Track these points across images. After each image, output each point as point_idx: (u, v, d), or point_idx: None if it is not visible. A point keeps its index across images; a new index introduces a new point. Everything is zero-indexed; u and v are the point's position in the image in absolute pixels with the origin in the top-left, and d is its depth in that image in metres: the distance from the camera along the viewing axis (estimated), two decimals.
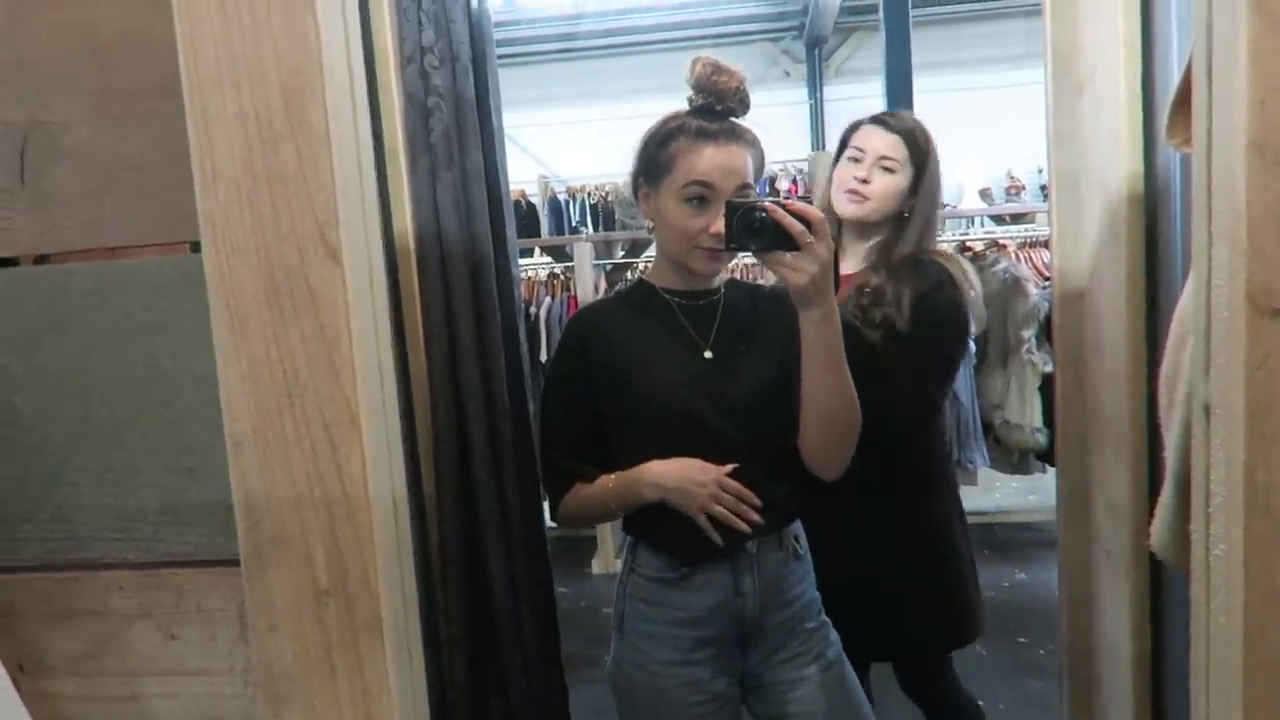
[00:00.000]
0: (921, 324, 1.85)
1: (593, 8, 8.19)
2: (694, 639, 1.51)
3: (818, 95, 9.56)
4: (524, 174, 9.12)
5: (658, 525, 1.51)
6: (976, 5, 8.69)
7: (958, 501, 2.05)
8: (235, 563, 0.66)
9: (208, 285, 0.61)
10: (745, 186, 1.43)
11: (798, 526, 1.60)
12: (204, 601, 0.69)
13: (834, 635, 1.62)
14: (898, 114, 2.01)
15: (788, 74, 9.73)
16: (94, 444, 0.71)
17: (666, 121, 1.48)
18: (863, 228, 1.97)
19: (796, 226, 1.28)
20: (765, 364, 1.51)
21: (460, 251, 1.77)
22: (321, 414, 0.58)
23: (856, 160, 1.95)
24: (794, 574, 1.57)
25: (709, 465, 1.45)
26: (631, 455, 1.51)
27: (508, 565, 1.81)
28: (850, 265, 2.01)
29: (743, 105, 1.45)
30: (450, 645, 1.77)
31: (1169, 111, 0.87)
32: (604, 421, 1.54)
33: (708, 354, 1.50)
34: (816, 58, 9.49)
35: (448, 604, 1.77)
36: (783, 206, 1.30)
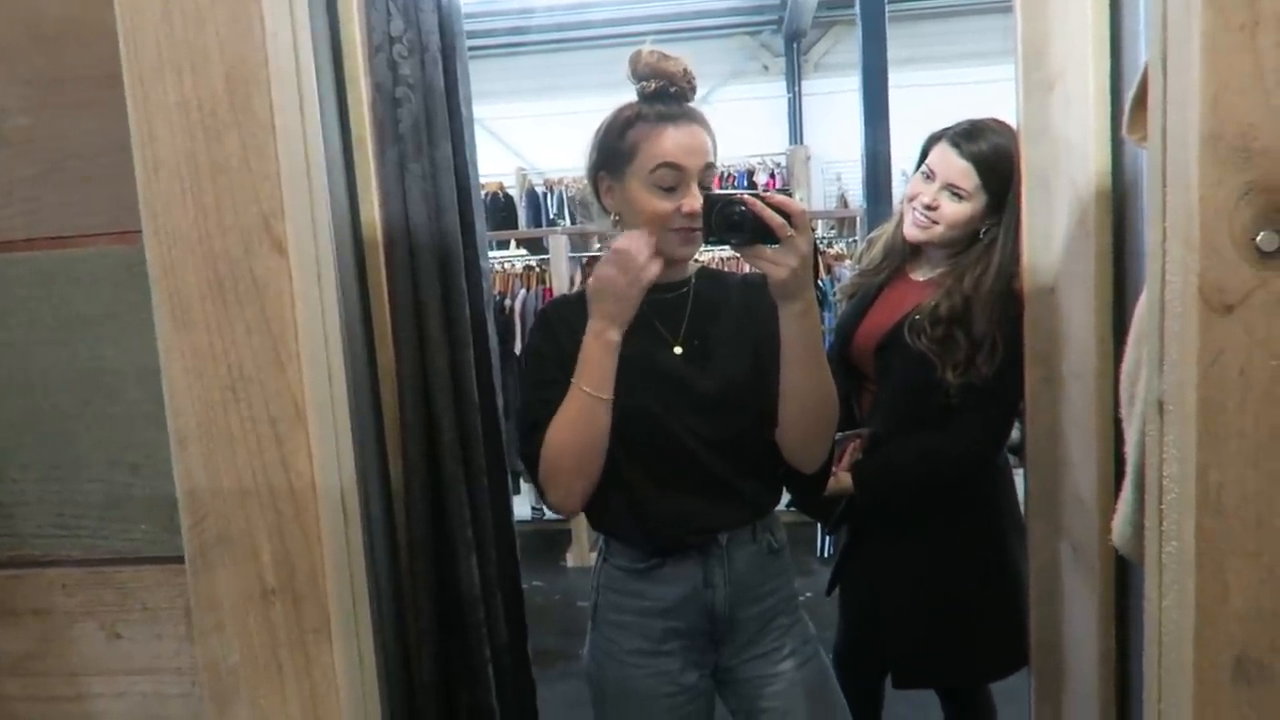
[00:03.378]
0: (1004, 370, 1.77)
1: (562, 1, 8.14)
2: (663, 630, 1.51)
3: (796, 89, 9.55)
4: (502, 167, 9.07)
5: (624, 519, 1.50)
6: (952, 1, 8.72)
7: (1017, 516, 1.95)
8: (181, 560, 0.64)
9: (150, 277, 0.59)
10: (709, 166, 1.43)
11: (773, 521, 1.58)
12: (149, 600, 0.68)
13: (810, 631, 1.62)
14: (978, 129, 1.83)
15: (766, 68, 9.71)
16: (36, 439, 0.70)
17: (621, 111, 1.47)
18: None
19: (776, 219, 1.26)
20: (737, 357, 1.49)
21: (429, 244, 1.76)
22: (267, 408, 0.57)
23: (928, 179, 1.86)
24: (769, 568, 1.55)
25: (628, 260, 1.37)
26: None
27: (476, 559, 1.80)
28: (923, 272, 1.93)
29: (691, 87, 1.45)
30: (419, 639, 1.75)
31: (1130, 106, 0.87)
32: None
33: (676, 350, 1.49)
34: (795, 51, 9.48)
35: (416, 598, 1.76)
36: (761, 199, 1.27)
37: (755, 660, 1.55)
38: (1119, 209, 1.54)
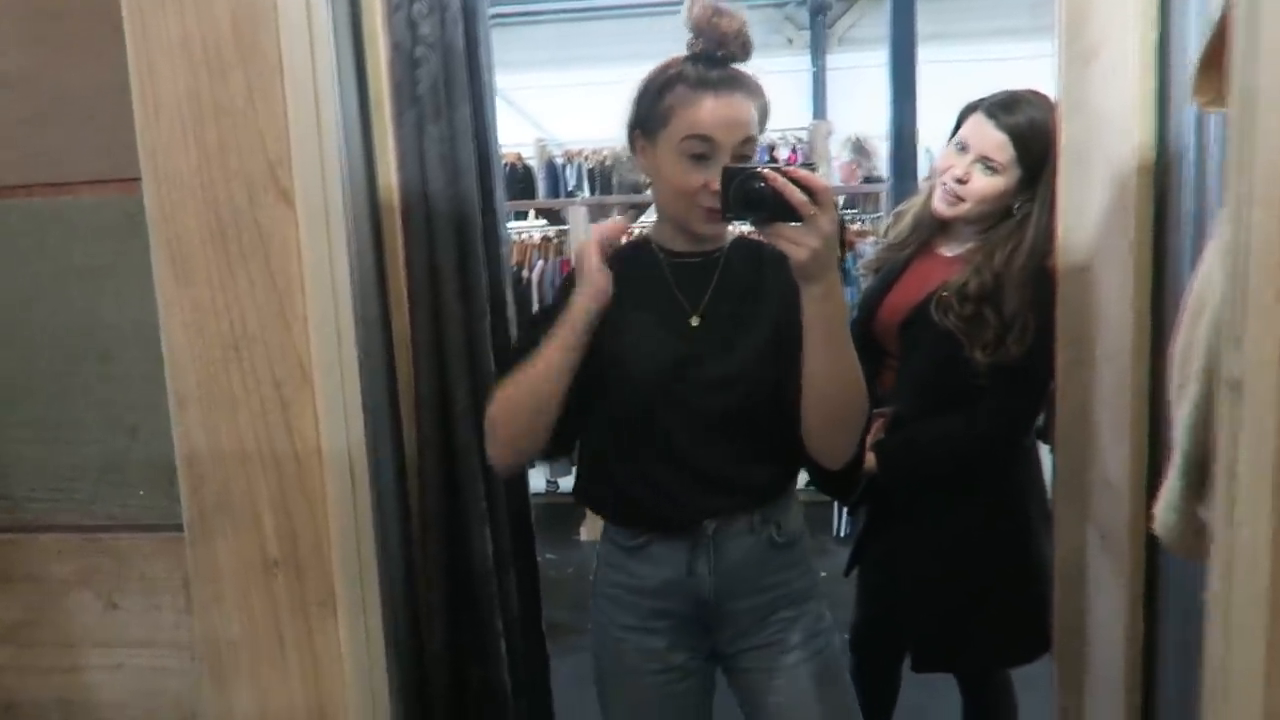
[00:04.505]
0: (1035, 351, 1.71)
1: None
2: (651, 609, 1.47)
3: (820, 63, 9.42)
4: (521, 137, 8.99)
5: (607, 494, 1.47)
6: None
7: (1042, 498, 1.90)
8: (180, 528, 0.61)
9: (149, 225, 0.55)
10: (748, 140, 1.34)
11: (781, 511, 1.49)
12: (147, 569, 0.64)
13: (823, 623, 1.55)
14: (1015, 101, 1.76)
15: (790, 41, 9.59)
16: (31, 397, 0.66)
17: (664, 69, 1.37)
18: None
19: (798, 196, 1.17)
20: (757, 334, 1.41)
21: (446, 209, 1.72)
22: (271, 369, 0.53)
23: (962, 150, 1.79)
24: (770, 562, 1.47)
25: (580, 259, 1.36)
26: (598, 422, 1.45)
27: (490, 531, 1.78)
28: (951, 248, 1.87)
29: (744, 50, 1.36)
30: (429, 612, 1.73)
31: (1195, 68, 0.81)
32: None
33: (694, 320, 1.41)
34: (820, 25, 9.35)
35: (427, 570, 1.73)
36: (783, 174, 1.19)
37: (756, 651, 1.50)
38: (1160, 185, 1.48)
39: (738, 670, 1.52)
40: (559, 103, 9.22)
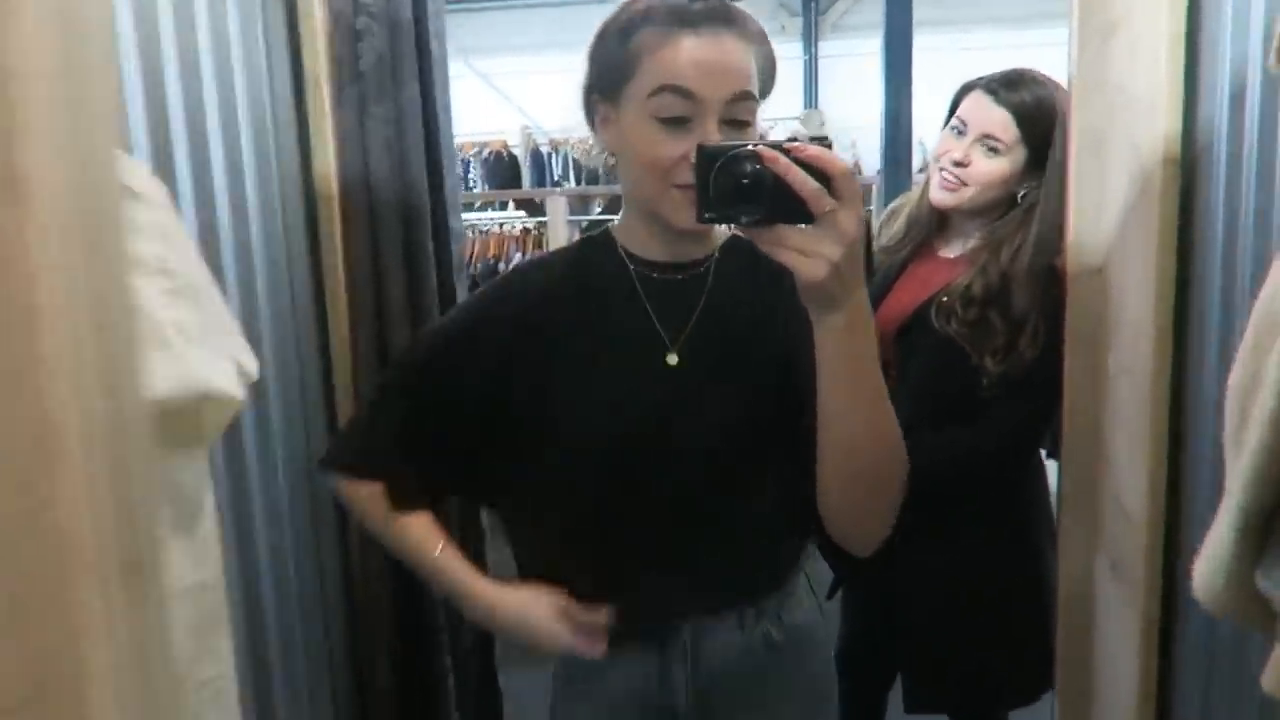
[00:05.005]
0: (1047, 358, 1.56)
1: None
2: None
3: (813, 51, 9.27)
4: (506, 123, 8.81)
5: (557, 582, 1.11)
6: None
7: (1051, 529, 1.74)
8: None
9: None
10: (744, 98, 0.97)
11: (784, 599, 1.15)
12: None
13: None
14: (1018, 77, 1.61)
15: (783, 28, 9.42)
16: None
17: (628, 5, 1.01)
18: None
19: (810, 185, 0.80)
20: (756, 375, 1.07)
21: (392, 200, 1.55)
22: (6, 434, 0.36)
23: (959, 133, 1.62)
24: (767, 666, 1.13)
25: (549, 599, 1.08)
26: (542, 491, 1.10)
27: None
28: (952, 248, 1.70)
29: None
30: (374, 646, 1.57)
31: None
32: (489, 435, 1.10)
33: (671, 359, 1.05)
34: (813, 11, 9.20)
35: (371, 601, 1.57)
36: (787, 152, 0.82)
37: None
38: (1188, 176, 1.34)
39: None
40: (546, 89, 9.04)
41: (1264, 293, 0.70)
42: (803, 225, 0.82)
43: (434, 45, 1.58)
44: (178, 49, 1.22)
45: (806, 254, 0.82)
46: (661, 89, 0.96)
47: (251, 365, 1.11)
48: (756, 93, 1.00)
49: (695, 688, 1.12)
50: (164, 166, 1.19)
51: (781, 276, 0.90)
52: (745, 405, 1.06)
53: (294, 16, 1.49)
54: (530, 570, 1.13)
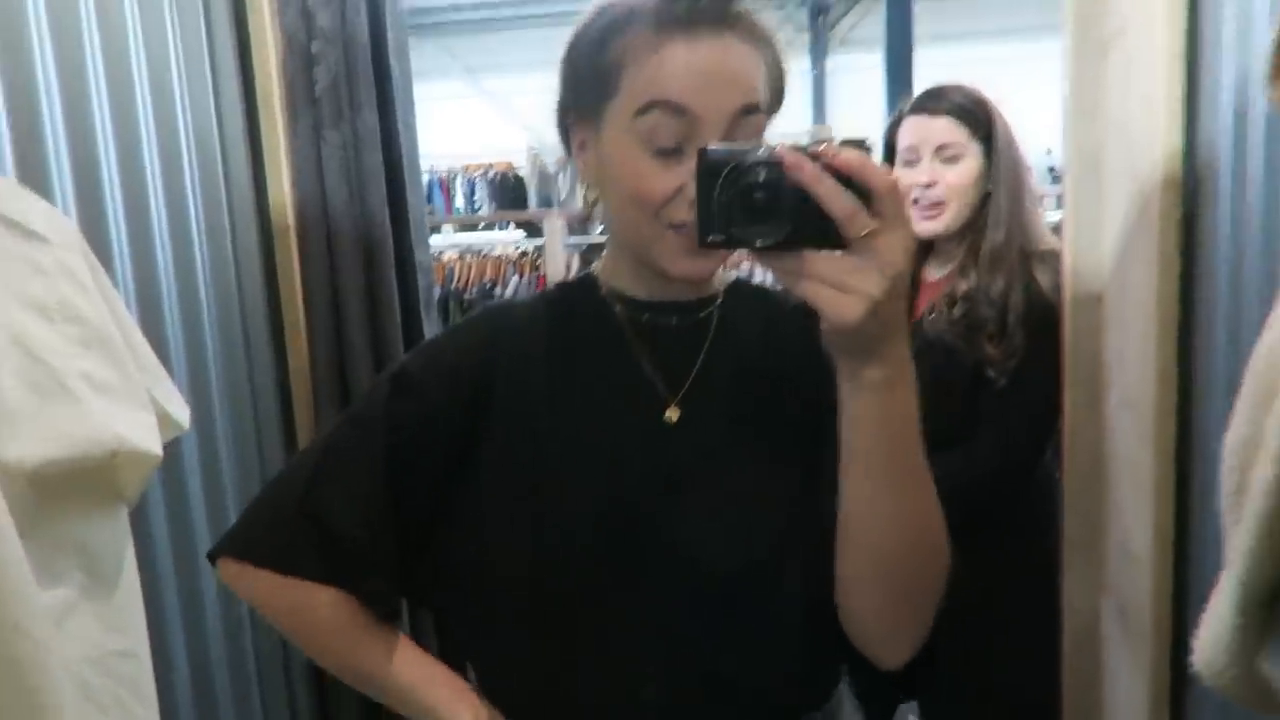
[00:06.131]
0: (1025, 365, 1.53)
1: None
2: None
3: (820, 65, 9.24)
4: (515, 144, 8.78)
5: (526, 706, 0.88)
6: None
7: (1054, 556, 1.64)
8: None
9: None
10: (750, 110, 0.79)
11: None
12: None
13: None
14: (940, 89, 1.68)
15: (790, 43, 9.39)
16: None
17: (604, 9, 0.83)
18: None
19: (845, 201, 0.64)
20: (771, 439, 0.87)
21: (351, 230, 1.49)
22: None
23: (912, 163, 1.63)
24: None
25: None
26: (506, 589, 0.85)
27: (409, 619, 1.53)
28: (942, 268, 1.68)
29: None
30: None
31: (1270, 55, 0.57)
32: (447, 514, 0.88)
33: (671, 415, 0.86)
34: (820, 26, 9.17)
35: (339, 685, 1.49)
36: (814, 158, 0.65)
37: None
38: (1190, 200, 1.28)
39: None
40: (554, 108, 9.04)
41: (1263, 341, 0.61)
42: (835, 251, 0.65)
43: (394, 67, 1.51)
44: (107, 72, 1.15)
45: (838, 288, 0.65)
46: (650, 106, 0.78)
47: (182, 414, 1.04)
48: (765, 107, 0.81)
49: None
50: (92, 207, 1.11)
51: (805, 324, 0.73)
52: (764, 474, 0.85)
53: (244, 38, 1.43)
54: (495, 680, 0.89)
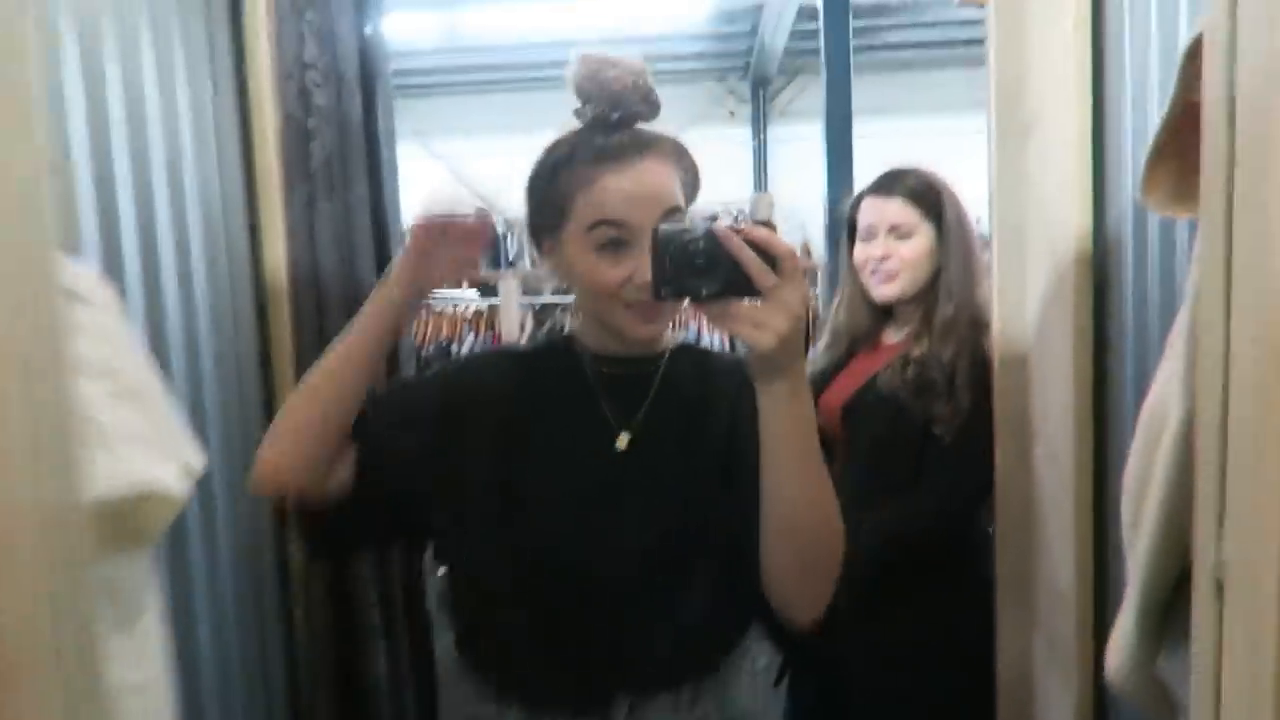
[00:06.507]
0: (970, 422, 1.66)
1: (532, 38, 8.06)
2: None
3: (762, 135, 9.52)
4: (464, 207, 8.86)
5: (489, 656, 1.14)
6: (919, 52, 8.76)
7: (991, 597, 1.77)
8: None
9: None
10: (672, 211, 1.06)
11: (725, 685, 1.15)
12: None
13: None
14: (896, 173, 1.82)
15: (732, 114, 9.67)
16: None
17: (551, 149, 1.10)
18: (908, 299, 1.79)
19: (757, 264, 0.89)
20: (705, 459, 1.12)
21: (340, 293, 1.59)
22: None
23: (868, 239, 1.79)
24: None
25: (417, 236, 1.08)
26: (483, 558, 1.12)
27: (385, 645, 1.60)
28: (899, 334, 1.83)
29: (649, 105, 1.08)
30: None
31: (1146, 163, 0.71)
32: (440, 499, 1.13)
33: (622, 440, 1.11)
34: (761, 98, 9.47)
35: (315, 693, 1.55)
36: (738, 234, 0.91)
37: None
38: (1099, 272, 1.41)
39: None
40: (501, 170, 9.16)
41: (1150, 398, 0.75)
42: (754, 300, 0.91)
43: (383, 146, 1.63)
44: (129, 147, 1.26)
45: (756, 326, 0.90)
46: (596, 224, 1.04)
47: (197, 462, 1.13)
48: (684, 204, 1.08)
49: None
50: (113, 263, 1.21)
51: (730, 380, 1.09)
52: (690, 492, 1.10)
53: (246, 116, 1.53)
54: (472, 630, 1.16)
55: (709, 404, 1.14)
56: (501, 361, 1.25)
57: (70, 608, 0.42)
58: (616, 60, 1.06)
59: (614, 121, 1.07)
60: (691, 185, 1.12)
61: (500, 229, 8.33)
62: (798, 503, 1.00)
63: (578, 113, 1.09)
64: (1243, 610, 0.40)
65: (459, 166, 10.56)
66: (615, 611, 1.09)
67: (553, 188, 1.08)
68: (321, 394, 1.08)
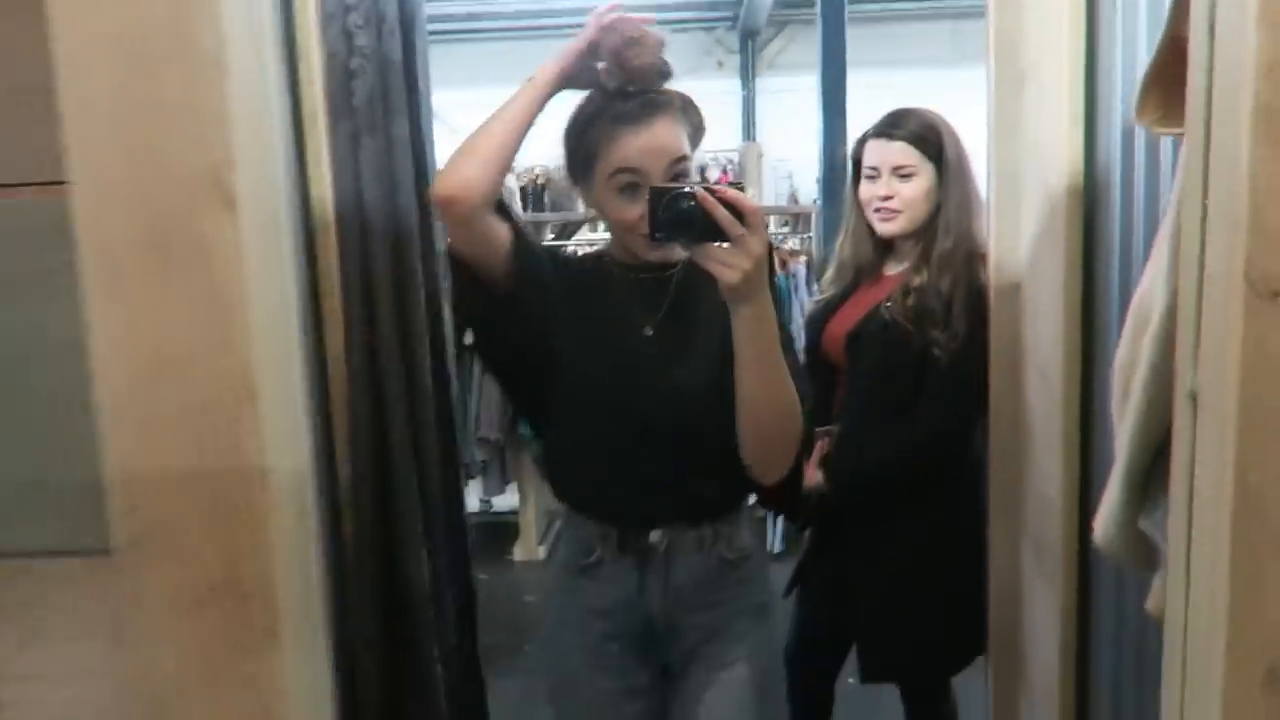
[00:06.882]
0: (967, 346, 1.79)
1: None
2: (602, 630, 1.47)
3: (750, 86, 9.57)
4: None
5: (575, 492, 1.49)
6: (911, 5, 8.81)
7: (984, 507, 1.94)
8: (107, 554, 0.57)
9: (77, 234, 0.52)
10: (678, 161, 1.36)
11: (731, 528, 1.48)
12: (71, 598, 0.60)
13: (767, 637, 1.55)
14: (900, 116, 1.92)
15: (720, 64, 9.71)
16: None
17: (581, 108, 1.40)
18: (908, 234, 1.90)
19: (727, 217, 1.17)
20: (709, 349, 1.40)
21: (383, 225, 1.68)
22: (211, 386, 0.49)
23: (873, 178, 1.90)
24: (719, 580, 1.47)
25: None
26: (557, 415, 1.48)
27: (427, 559, 1.73)
28: (899, 265, 1.95)
29: (662, 78, 1.37)
30: (365, 640, 1.67)
31: (1140, 89, 0.83)
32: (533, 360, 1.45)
33: (647, 331, 1.43)
34: (750, 49, 9.50)
35: (361, 597, 1.68)
36: (713, 194, 1.19)
37: (697, 664, 1.49)
38: (1089, 208, 1.52)
39: (678, 681, 1.51)
40: None
41: (1137, 293, 0.88)
42: (723, 244, 1.18)
43: (421, 84, 1.72)
44: None
45: (726, 264, 1.19)
46: (617, 171, 1.34)
47: None
48: (688, 154, 1.38)
49: (666, 596, 1.44)
50: None
51: None
52: (699, 367, 1.40)
53: (293, 57, 1.62)
54: (553, 462, 1.54)
55: (714, 304, 1.36)
56: (570, 266, 1.55)
57: (304, 559, 0.55)
58: (641, 38, 1.34)
59: (630, 91, 1.35)
60: (697, 135, 1.42)
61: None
62: (759, 390, 1.30)
63: (603, 75, 1.36)
64: (1209, 418, 0.53)
65: (450, 117, 10.54)
66: (648, 457, 1.40)
67: (583, 141, 1.38)
68: (493, 133, 1.32)
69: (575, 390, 1.43)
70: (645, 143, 1.33)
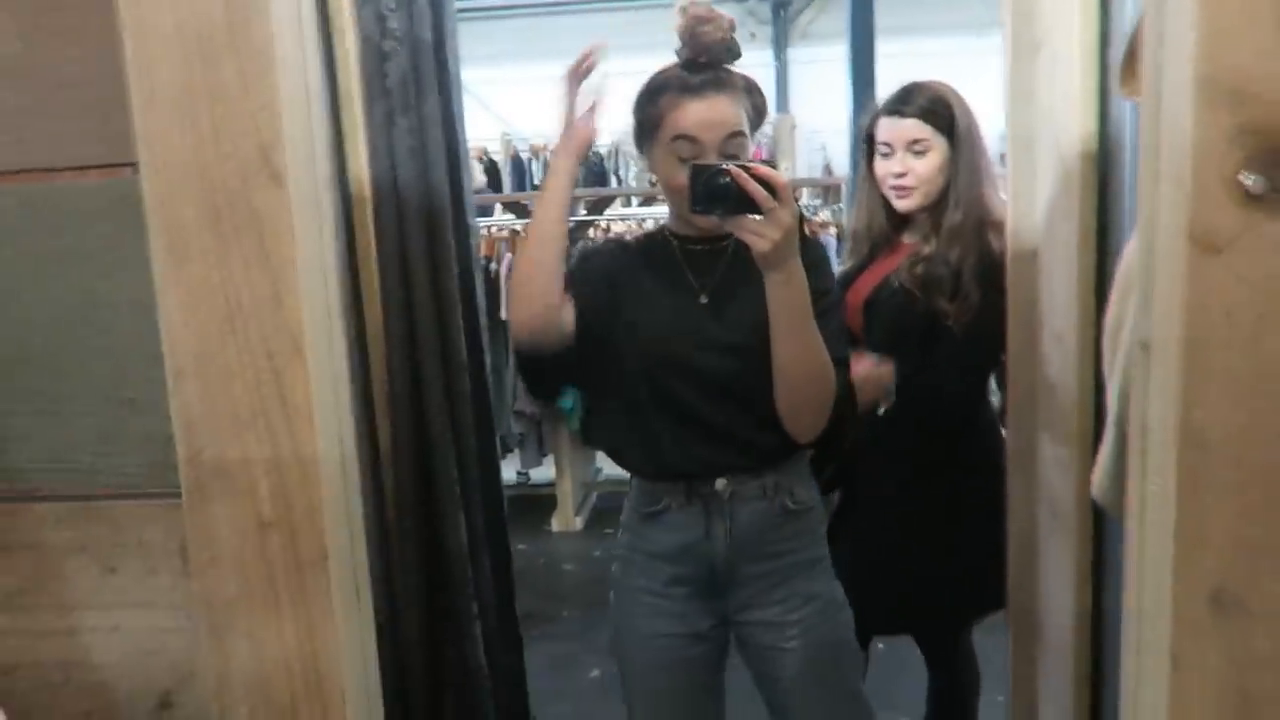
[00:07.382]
0: (993, 294, 1.83)
1: None
2: (669, 574, 1.55)
3: (782, 58, 9.53)
4: (487, 132, 8.98)
5: (638, 454, 1.55)
6: None
7: (995, 470, 1.98)
8: (176, 494, 0.65)
9: (146, 209, 0.59)
10: (734, 136, 1.43)
11: (793, 478, 1.56)
12: (144, 534, 0.68)
13: (837, 596, 1.61)
14: (909, 92, 1.95)
15: (753, 35, 9.66)
16: (29, 373, 0.69)
17: (655, 76, 1.49)
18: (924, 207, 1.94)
19: (760, 192, 1.27)
20: (762, 312, 1.45)
21: (417, 201, 1.75)
22: (265, 341, 0.57)
23: (887, 155, 1.94)
24: (782, 528, 1.55)
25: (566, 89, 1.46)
26: (614, 380, 1.54)
27: (464, 517, 1.81)
28: (913, 236, 2.00)
29: (730, 54, 1.46)
30: (406, 595, 1.77)
31: (1122, 62, 0.87)
32: (588, 338, 1.52)
33: (703, 298, 1.52)
34: (782, 19, 9.45)
35: (403, 554, 1.77)
36: (746, 169, 1.29)
37: (766, 627, 1.56)
38: (1103, 172, 1.55)
39: (749, 642, 1.59)
40: (525, 97, 9.22)
41: (1126, 250, 0.92)
42: (756, 216, 1.28)
43: (450, 63, 1.78)
44: None
45: (759, 235, 1.29)
46: (676, 138, 1.43)
47: None
48: (747, 130, 1.46)
49: (731, 542, 1.52)
50: None
51: None
52: (750, 329, 1.45)
53: (329, 39, 1.69)
54: (607, 427, 1.59)
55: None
56: (628, 245, 1.65)
57: (349, 499, 0.62)
58: (712, 17, 1.42)
59: (701, 63, 1.44)
60: (757, 114, 1.50)
61: (524, 155, 8.43)
62: (791, 351, 1.40)
63: (677, 52, 1.45)
64: (1157, 363, 0.58)
65: (479, 92, 10.62)
66: (708, 409, 1.48)
67: (651, 106, 1.46)
68: (544, 254, 1.42)
69: (637, 351, 1.50)
70: (705, 113, 1.41)
